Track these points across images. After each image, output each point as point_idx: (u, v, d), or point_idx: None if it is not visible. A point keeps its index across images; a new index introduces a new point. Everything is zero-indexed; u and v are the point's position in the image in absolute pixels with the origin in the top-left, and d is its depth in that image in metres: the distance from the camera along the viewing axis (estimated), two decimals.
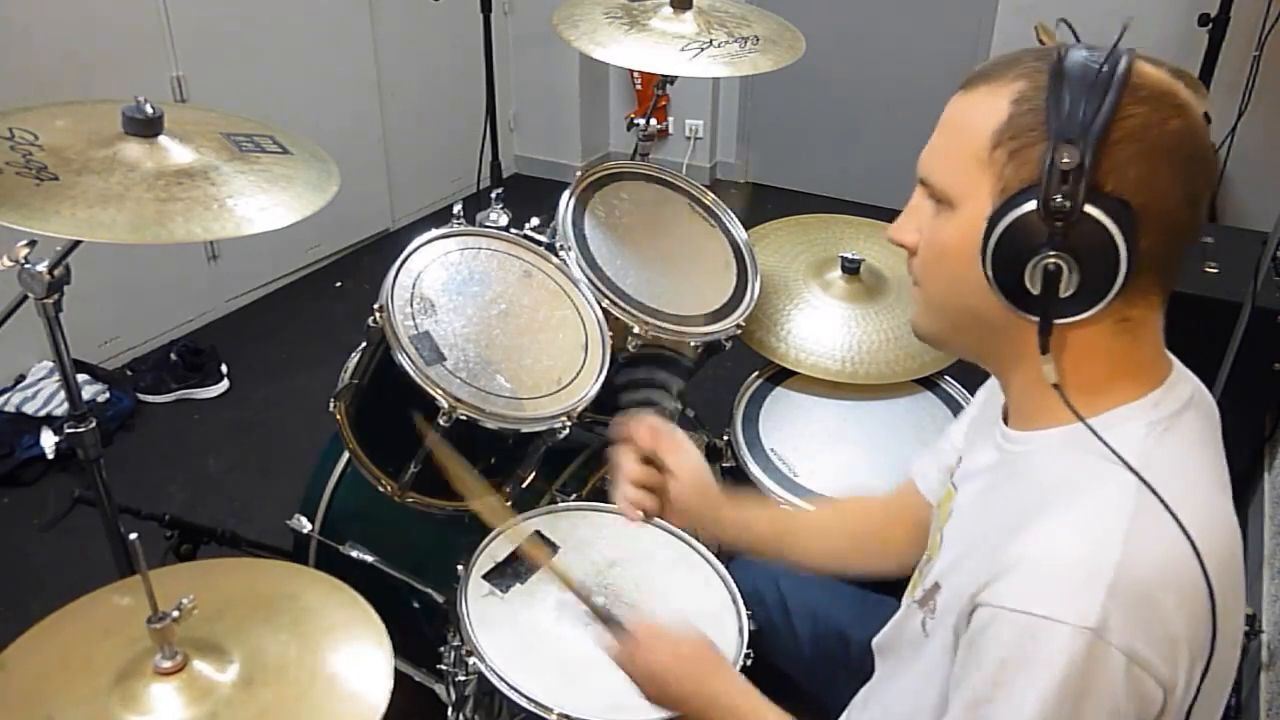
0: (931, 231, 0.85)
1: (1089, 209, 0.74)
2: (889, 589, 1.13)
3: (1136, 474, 0.76)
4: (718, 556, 1.43)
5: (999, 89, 0.79)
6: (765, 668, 1.26)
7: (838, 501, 1.32)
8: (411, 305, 1.44)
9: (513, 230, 1.69)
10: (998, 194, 0.78)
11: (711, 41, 1.81)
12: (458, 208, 1.64)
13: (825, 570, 1.25)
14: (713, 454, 2.10)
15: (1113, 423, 0.80)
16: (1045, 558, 0.75)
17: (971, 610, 0.78)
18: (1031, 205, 0.76)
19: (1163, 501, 0.74)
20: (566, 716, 1.17)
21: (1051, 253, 0.76)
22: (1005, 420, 0.92)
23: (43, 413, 2.58)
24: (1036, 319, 0.79)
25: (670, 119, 4.26)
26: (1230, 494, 0.85)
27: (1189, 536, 0.73)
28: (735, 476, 1.71)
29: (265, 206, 1.19)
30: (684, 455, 1.20)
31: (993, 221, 0.78)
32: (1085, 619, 0.70)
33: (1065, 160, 0.73)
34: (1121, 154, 0.74)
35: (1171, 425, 0.81)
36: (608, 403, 1.59)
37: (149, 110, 1.20)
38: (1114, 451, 0.77)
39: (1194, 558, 0.73)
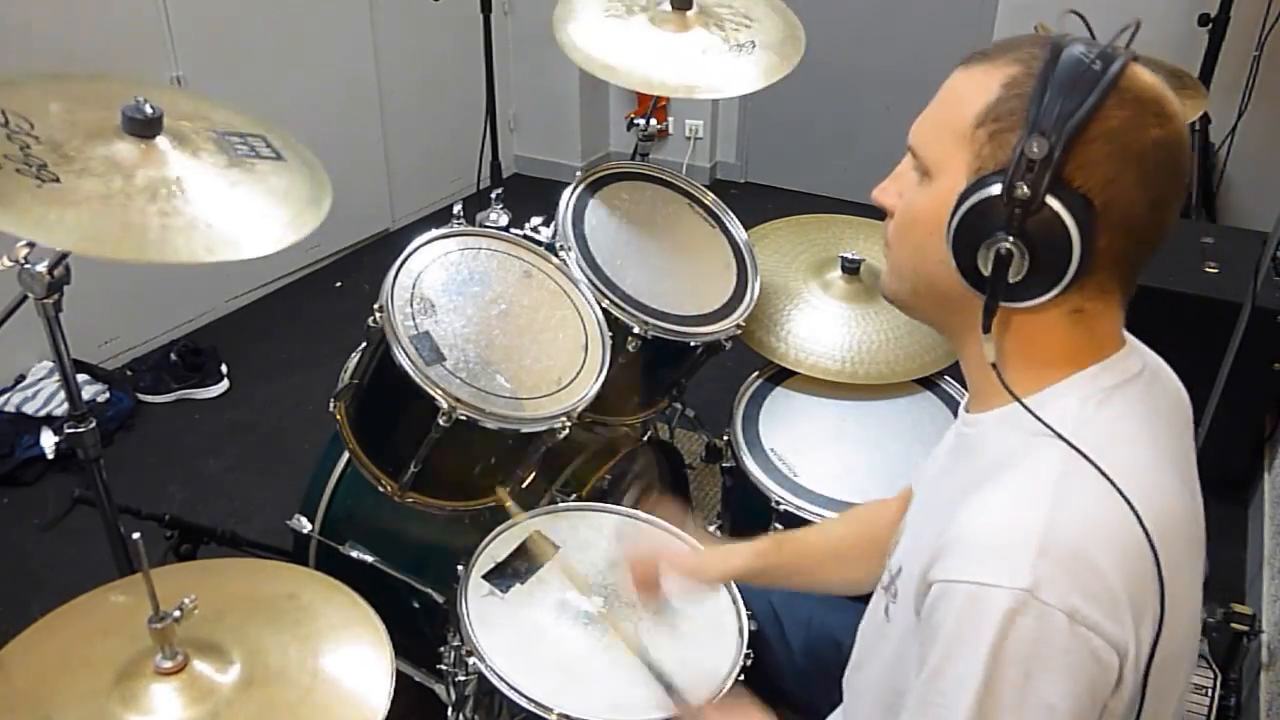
0: (909, 199, 0.88)
1: (1050, 201, 0.76)
2: None
3: (1063, 438, 0.77)
4: None
5: (993, 70, 0.81)
6: (759, 680, 1.26)
7: (847, 518, 1.34)
8: (411, 305, 1.44)
9: (513, 230, 1.69)
10: (972, 172, 0.80)
11: None
12: (458, 208, 1.64)
13: (848, 591, 1.26)
14: (713, 454, 2.10)
15: (1049, 398, 0.82)
16: (979, 528, 0.77)
17: (926, 591, 0.79)
18: (996, 189, 0.77)
19: (1091, 461, 0.75)
20: (566, 716, 1.16)
21: (1006, 237, 0.78)
22: (968, 407, 0.94)
23: (43, 413, 2.58)
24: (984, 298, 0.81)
25: (670, 119, 4.26)
26: (1185, 470, 0.86)
27: (1123, 495, 0.74)
28: (735, 476, 1.71)
29: (262, 228, 1.18)
30: (678, 564, 1.33)
31: (961, 199, 0.80)
32: (1019, 580, 0.71)
33: (1035, 150, 0.75)
34: (1094, 152, 0.76)
35: (1110, 397, 0.82)
36: (608, 402, 1.59)
37: (148, 110, 1.20)
38: (1042, 421, 0.79)
39: (1130, 516, 0.74)
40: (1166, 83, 0.80)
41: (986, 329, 0.83)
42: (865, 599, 1.33)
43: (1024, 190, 0.76)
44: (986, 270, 0.80)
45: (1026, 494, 0.76)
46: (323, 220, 1.24)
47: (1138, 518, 0.74)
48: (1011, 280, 0.79)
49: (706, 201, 1.90)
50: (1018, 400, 0.81)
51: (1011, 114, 0.78)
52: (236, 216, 1.18)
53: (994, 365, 0.84)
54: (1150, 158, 0.77)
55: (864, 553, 1.23)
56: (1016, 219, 0.77)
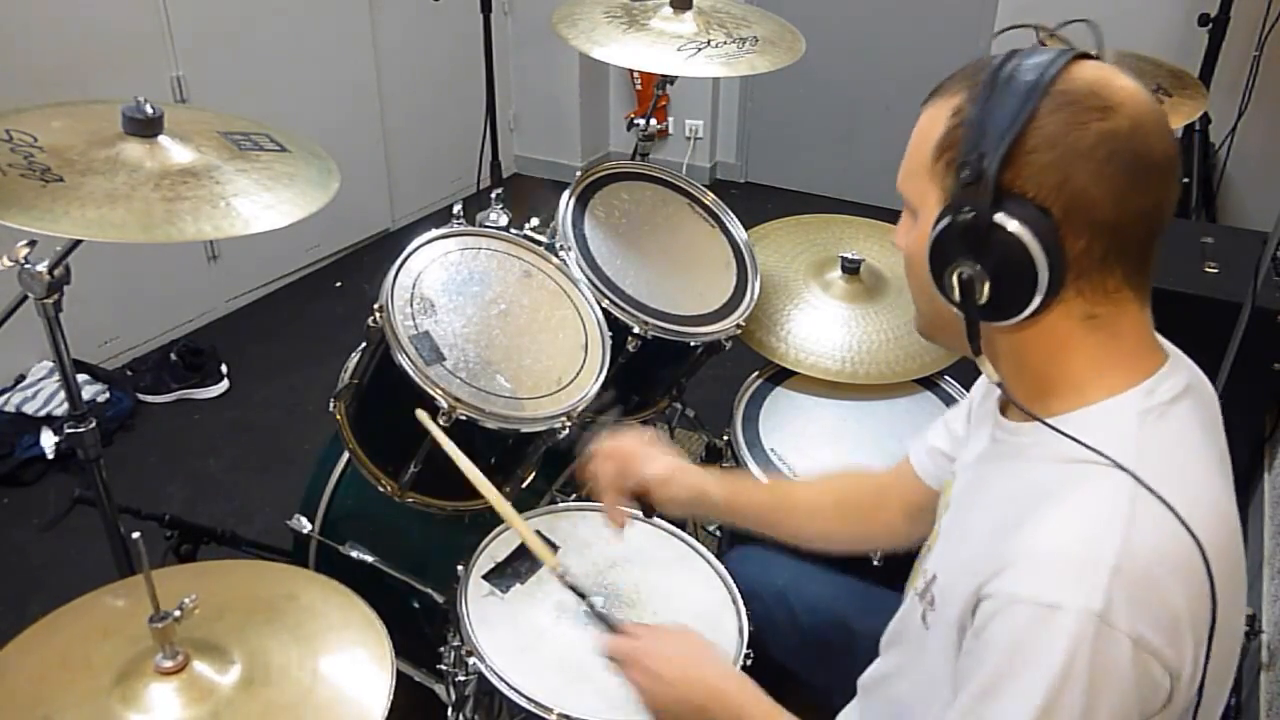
0: (907, 240, 0.89)
1: (1000, 218, 0.77)
2: (890, 581, 1.13)
3: (1122, 467, 0.77)
4: (718, 557, 1.43)
5: (945, 102, 0.83)
6: (766, 663, 1.26)
7: (830, 476, 1.34)
8: (411, 305, 1.44)
9: (513, 230, 1.69)
10: (941, 204, 0.82)
11: (709, 41, 1.81)
12: (458, 208, 1.64)
13: (814, 544, 1.28)
14: (713, 454, 2.10)
15: (1104, 414, 0.82)
16: (1049, 548, 0.76)
17: (976, 604, 0.79)
18: (948, 218, 0.80)
19: (1153, 492, 0.75)
20: (566, 716, 1.16)
21: (963, 261, 0.79)
22: (1004, 411, 0.94)
23: (43, 413, 2.58)
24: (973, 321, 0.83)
25: (670, 119, 4.26)
26: (1230, 480, 0.86)
27: (1184, 523, 0.74)
28: None
29: (271, 204, 1.19)
30: (656, 464, 1.26)
31: (932, 231, 0.82)
32: (1091, 603, 0.71)
33: (965, 174, 0.77)
34: (1038, 161, 0.76)
35: (1166, 413, 0.82)
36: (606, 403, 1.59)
37: (149, 110, 1.20)
38: (1088, 447, 0.78)
39: (1192, 543, 0.74)
40: (1122, 70, 0.80)
41: (975, 351, 0.84)
42: (873, 581, 1.34)
43: (966, 212, 0.77)
44: (955, 296, 0.82)
45: (1100, 516, 0.76)
46: (331, 199, 1.25)
47: (1200, 548, 0.74)
48: (980, 300, 0.80)
49: (706, 201, 1.90)
50: (1046, 424, 0.81)
51: (959, 141, 0.80)
52: (243, 195, 1.19)
53: (1001, 385, 0.85)
54: (1099, 151, 0.76)
55: (840, 517, 1.27)
56: (972, 242, 0.78)
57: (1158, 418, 0.81)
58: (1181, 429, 0.82)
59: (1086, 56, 0.80)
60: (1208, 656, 0.75)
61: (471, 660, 1.24)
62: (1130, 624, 0.71)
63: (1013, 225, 0.76)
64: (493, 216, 1.76)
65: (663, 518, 1.46)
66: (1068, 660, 0.71)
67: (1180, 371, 0.86)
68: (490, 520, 1.47)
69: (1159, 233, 0.81)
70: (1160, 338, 0.88)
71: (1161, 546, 0.74)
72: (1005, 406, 0.94)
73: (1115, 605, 0.71)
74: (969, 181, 0.76)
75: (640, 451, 1.27)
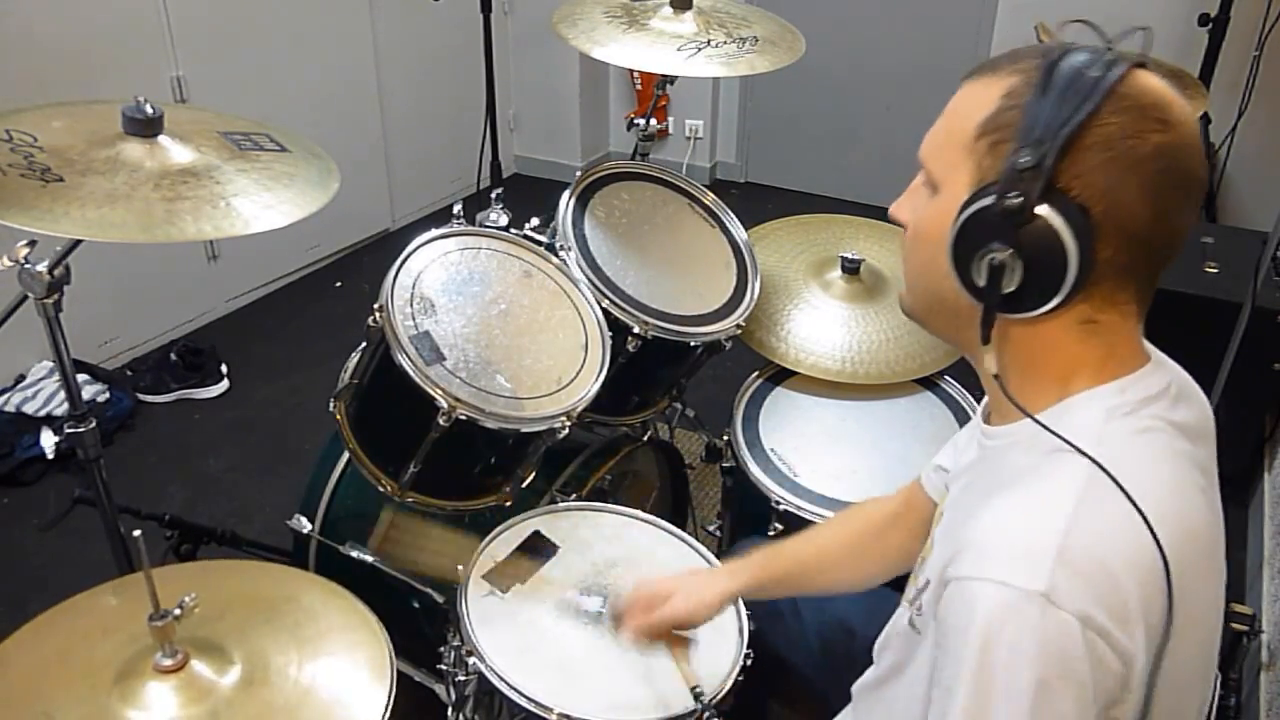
0: (920, 213, 0.88)
1: (1043, 210, 0.76)
2: (895, 584, 1.13)
3: (1083, 453, 0.76)
4: (718, 557, 1.43)
5: (996, 81, 0.81)
6: (770, 657, 1.26)
7: (840, 518, 1.33)
8: (411, 305, 1.44)
9: (513, 230, 1.69)
10: (975, 183, 0.80)
11: (709, 41, 1.81)
12: (458, 208, 1.64)
13: (842, 591, 1.26)
14: (713, 454, 2.10)
15: (1069, 409, 0.82)
16: (997, 531, 0.77)
17: (943, 590, 0.79)
18: (991, 199, 0.78)
19: (1111, 476, 0.75)
20: (566, 716, 1.17)
21: (999, 247, 0.78)
22: (988, 419, 0.94)
23: (43, 413, 2.58)
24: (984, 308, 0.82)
25: (670, 119, 4.26)
26: (1209, 491, 0.86)
27: (1140, 512, 0.74)
28: (735, 476, 1.71)
29: (271, 204, 1.20)
30: (676, 606, 1.22)
31: (961, 209, 0.80)
32: (1034, 583, 0.71)
33: (1024, 160, 0.75)
34: (1090, 160, 0.75)
35: (1136, 411, 0.82)
36: (607, 403, 1.59)
37: (149, 110, 1.21)
38: (1059, 436, 0.78)
39: (1146, 532, 0.74)
40: (1174, 87, 0.79)
41: (985, 340, 0.83)
42: (878, 588, 1.34)
43: (1014, 199, 0.76)
44: (981, 281, 0.80)
45: (1049, 501, 0.76)
46: (331, 199, 1.25)
47: (1155, 538, 0.73)
48: (1005, 290, 0.79)
49: (706, 201, 1.90)
50: (1030, 416, 0.81)
51: (1009, 125, 0.78)
52: (243, 195, 1.19)
53: (997, 377, 0.84)
54: (1151, 165, 0.75)
55: (854, 556, 1.24)
56: (1010, 229, 0.77)
57: (1125, 414, 0.81)
58: (1148, 427, 0.82)
59: (1143, 65, 0.80)
60: (1160, 655, 0.74)
61: (471, 660, 1.24)
62: (1077, 604, 0.71)
63: (1055, 220, 0.75)
64: (493, 216, 1.76)
65: (666, 530, 1.47)
66: (1013, 639, 0.71)
67: (1160, 374, 0.85)
68: (490, 520, 1.47)
69: (1175, 256, 0.81)
70: (1149, 344, 0.88)
71: (1113, 531, 0.74)
72: (988, 415, 0.94)
73: (1059, 586, 0.71)
74: (1026, 167, 0.75)
75: (657, 599, 1.23)
